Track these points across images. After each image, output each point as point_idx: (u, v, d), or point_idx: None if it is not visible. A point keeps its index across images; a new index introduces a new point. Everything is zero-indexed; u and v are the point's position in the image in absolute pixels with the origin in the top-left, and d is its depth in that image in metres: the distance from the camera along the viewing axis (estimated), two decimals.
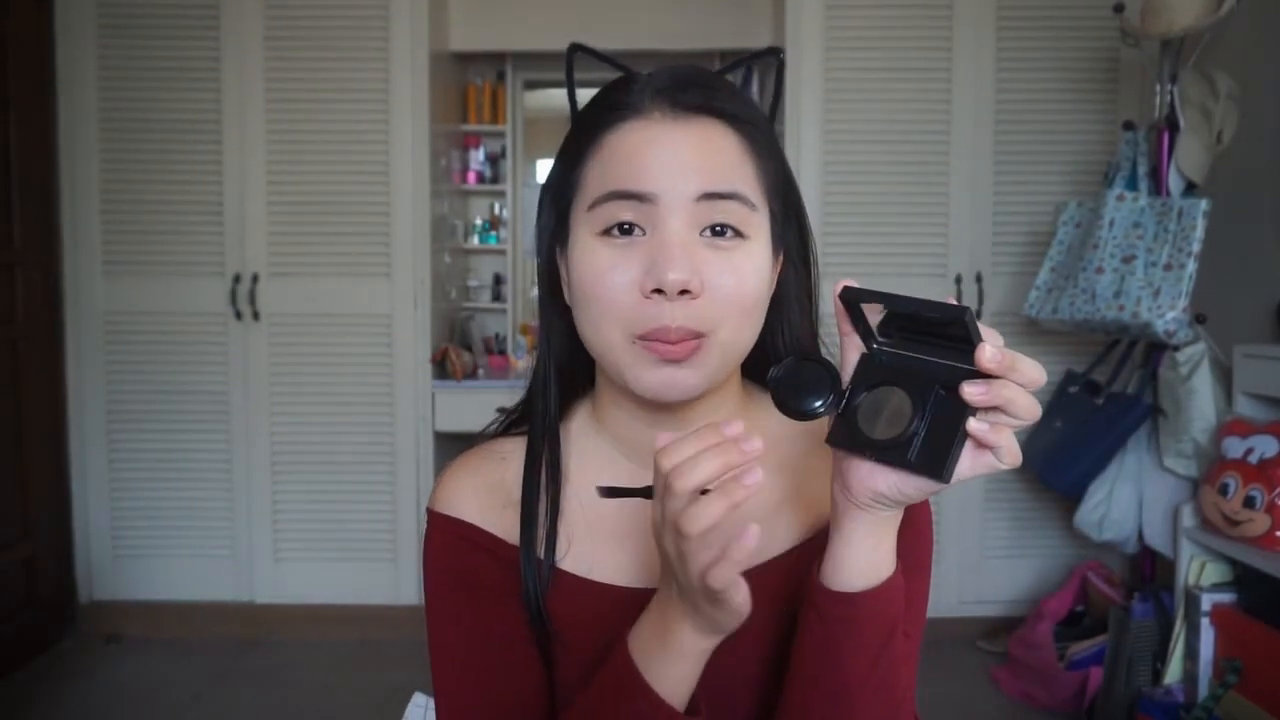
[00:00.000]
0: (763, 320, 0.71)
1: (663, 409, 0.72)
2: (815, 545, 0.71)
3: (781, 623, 0.71)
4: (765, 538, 0.72)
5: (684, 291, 0.65)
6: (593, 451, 0.77)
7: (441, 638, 0.76)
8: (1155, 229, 2.27)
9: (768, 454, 0.74)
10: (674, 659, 0.62)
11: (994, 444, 0.54)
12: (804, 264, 0.76)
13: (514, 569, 0.73)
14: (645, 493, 0.63)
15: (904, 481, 0.58)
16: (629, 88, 0.71)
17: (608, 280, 0.67)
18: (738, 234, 0.67)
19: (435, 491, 0.78)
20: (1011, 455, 0.55)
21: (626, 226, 0.67)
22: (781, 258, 0.75)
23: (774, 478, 0.75)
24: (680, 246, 0.65)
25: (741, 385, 0.78)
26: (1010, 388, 0.53)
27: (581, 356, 0.77)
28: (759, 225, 0.69)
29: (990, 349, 0.53)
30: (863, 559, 0.62)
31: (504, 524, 0.75)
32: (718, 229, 0.67)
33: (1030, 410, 0.54)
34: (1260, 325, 2.33)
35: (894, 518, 0.62)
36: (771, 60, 0.79)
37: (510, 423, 0.82)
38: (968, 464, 0.56)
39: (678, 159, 0.67)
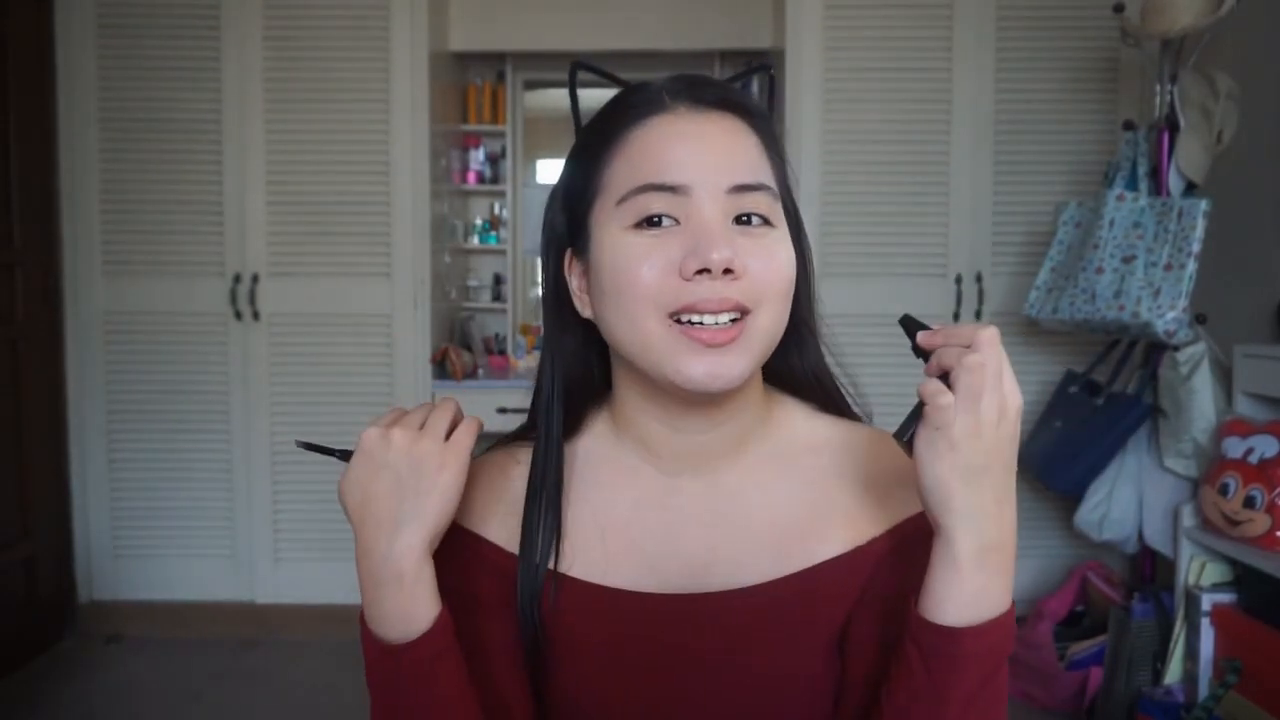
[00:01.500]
0: (789, 310, 0.72)
1: (690, 408, 0.71)
2: (860, 555, 0.72)
3: (831, 630, 0.71)
4: (808, 544, 0.72)
5: (727, 271, 0.65)
6: (611, 459, 0.76)
7: None
8: (1155, 229, 2.27)
9: (798, 464, 0.75)
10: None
11: (923, 393, 0.61)
12: (801, 258, 0.77)
13: (510, 579, 0.73)
14: (342, 455, 0.71)
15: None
16: (644, 91, 0.71)
17: (643, 267, 0.66)
18: (765, 222, 0.69)
19: None
20: (927, 392, 0.61)
21: (656, 219, 0.67)
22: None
23: (804, 486, 0.74)
24: (719, 229, 0.66)
25: (763, 386, 0.77)
26: (945, 350, 0.62)
27: (594, 368, 0.77)
28: (781, 212, 0.71)
29: (921, 334, 0.64)
30: (958, 594, 0.62)
31: (507, 531, 0.74)
32: (745, 218, 0.68)
33: (956, 356, 0.61)
34: (1260, 325, 2.33)
35: (989, 554, 0.62)
36: (764, 73, 0.81)
37: (526, 427, 0.81)
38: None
39: (707, 151, 0.68)
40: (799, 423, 0.77)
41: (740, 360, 0.67)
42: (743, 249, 0.66)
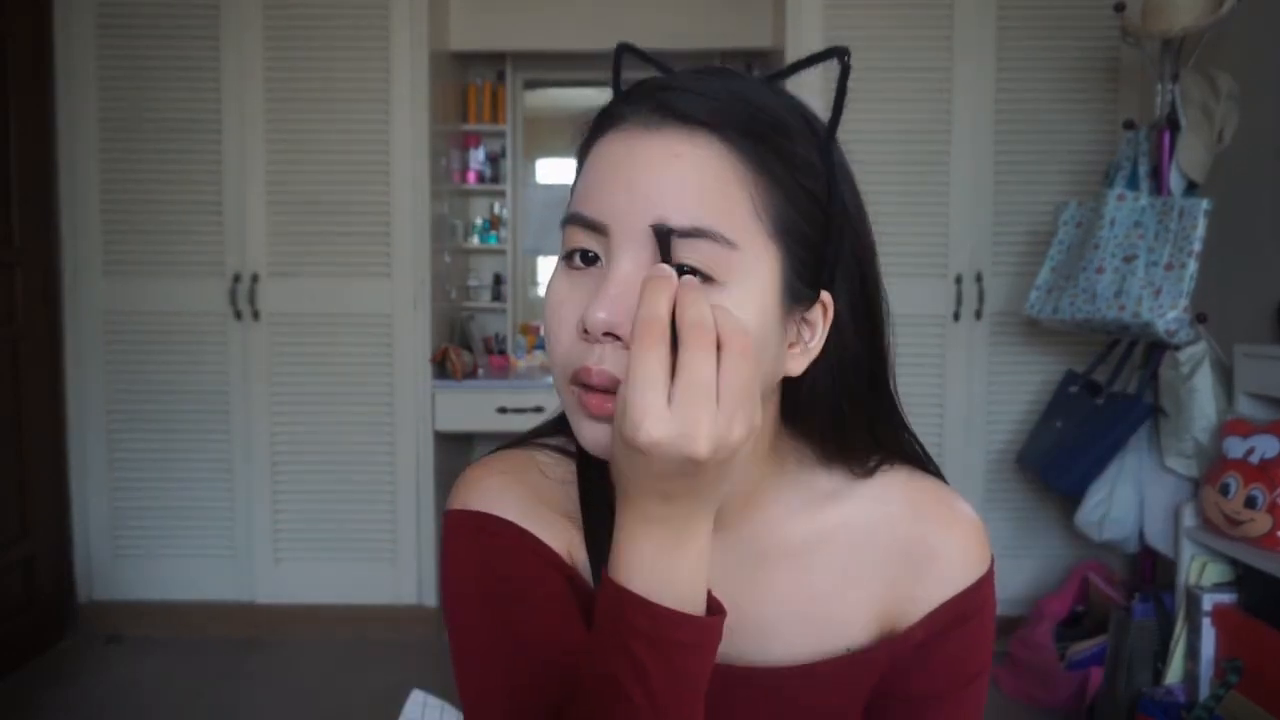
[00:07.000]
0: (758, 383, 0.54)
1: None
2: (893, 644, 0.68)
3: (853, 713, 0.69)
4: (838, 624, 0.67)
5: (615, 336, 0.55)
6: None
7: (476, 644, 0.66)
8: (1156, 228, 2.27)
9: (822, 520, 0.68)
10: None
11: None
12: (868, 327, 0.65)
13: (561, 574, 0.66)
14: None
15: None
16: (626, 94, 0.61)
17: (557, 315, 0.59)
18: (706, 278, 0.55)
19: (469, 491, 0.69)
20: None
21: (591, 255, 0.58)
22: (828, 312, 0.62)
23: (832, 549, 0.68)
24: (619, 285, 0.55)
25: (774, 458, 0.67)
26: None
27: None
28: (743, 267, 0.56)
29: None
30: None
31: (550, 532, 0.67)
32: (682, 268, 0.55)
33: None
34: (1260, 325, 2.33)
35: None
36: (837, 58, 0.67)
37: (536, 433, 0.75)
38: None
39: (636, 183, 0.56)
40: (819, 475, 0.70)
41: None
42: None
